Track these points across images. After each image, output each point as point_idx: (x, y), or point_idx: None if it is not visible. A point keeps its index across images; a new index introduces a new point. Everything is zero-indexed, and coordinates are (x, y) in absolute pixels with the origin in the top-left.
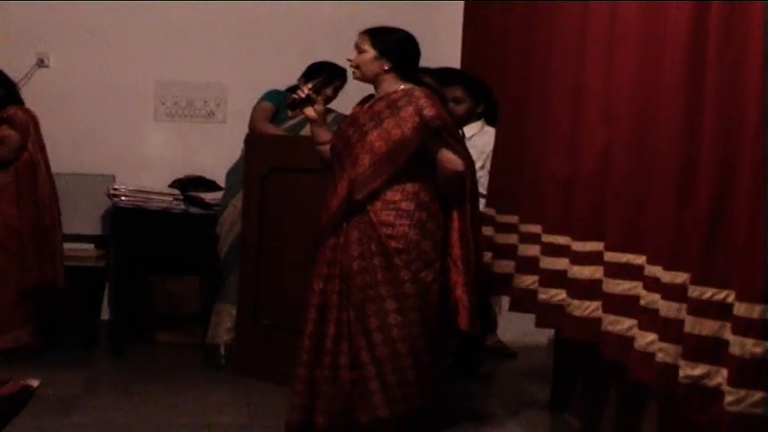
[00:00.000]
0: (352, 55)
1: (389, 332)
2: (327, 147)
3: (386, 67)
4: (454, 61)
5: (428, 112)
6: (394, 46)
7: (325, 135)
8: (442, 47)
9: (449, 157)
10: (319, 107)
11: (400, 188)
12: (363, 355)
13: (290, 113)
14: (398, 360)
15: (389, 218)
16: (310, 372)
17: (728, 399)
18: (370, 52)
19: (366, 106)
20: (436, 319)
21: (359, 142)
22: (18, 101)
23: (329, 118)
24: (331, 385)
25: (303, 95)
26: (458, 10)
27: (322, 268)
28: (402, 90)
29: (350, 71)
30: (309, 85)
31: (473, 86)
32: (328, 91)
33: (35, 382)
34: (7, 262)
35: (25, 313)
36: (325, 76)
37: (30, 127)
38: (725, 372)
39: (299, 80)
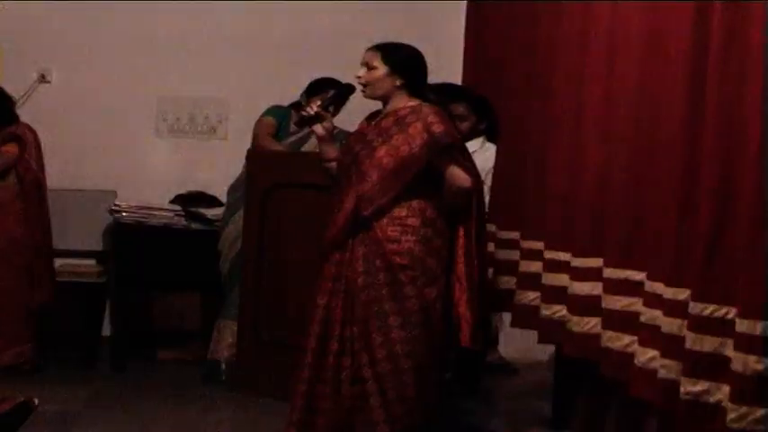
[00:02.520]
0: (362, 72)
1: (393, 348)
2: (335, 164)
3: (398, 84)
4: (455, 77)
5: (437, 128)
6: (405, 62)
7: (333, 152)
8: (444, 62)
9: (457, 174)
10: (328, 124)
11: (407, 204)
12: (365, 370)
13: (292, 129)
14: (400, 376)
15: (395, 233)
16: (311, 387)
17: (730, 415)
18: (382, 69)
19: (374, 122)
20: (440, 336)
21: (367, 158)
22: (15, 117)
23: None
24: (332, 401)
25: (312, 113)
26: (459, 26)
27: (326, 283)
28: (410, 106)
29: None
30: (318, 102)
31: (475, 103)
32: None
33: (35, 399)
34: (14, 278)
35: (28, 329)
36: (334, 92)
37: (33, 146)
38: (726, 388)
39: (301, 96)
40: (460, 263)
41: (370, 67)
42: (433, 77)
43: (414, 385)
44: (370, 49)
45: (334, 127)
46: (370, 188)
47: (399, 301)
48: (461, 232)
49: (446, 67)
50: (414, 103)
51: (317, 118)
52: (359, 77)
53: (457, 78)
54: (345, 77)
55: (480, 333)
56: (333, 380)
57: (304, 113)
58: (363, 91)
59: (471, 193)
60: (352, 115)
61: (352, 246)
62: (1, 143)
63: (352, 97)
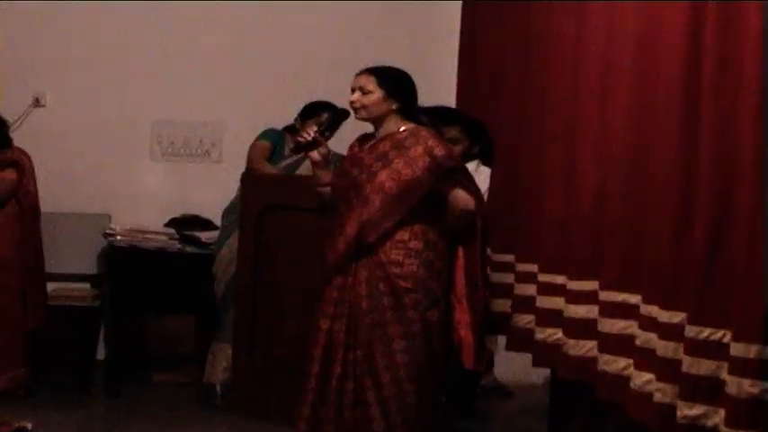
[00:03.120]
0: (356, 96)
1: (397, 372)
2: (329, 188)
3: (393, 107)
4: (449, 100)
5: (438, 151)
6: (400, 85)
7: (327, 176)
8: (438, 85)
9: (461, 196)
10: (324, 150)
11: (409, 227)
12: (369, 394)
13: (286, 152)
14: (404, 399)
15: (398, 257)
16: (314, 412)
17: None
18: (377, 93)
19: (367, 146)
20: (440, 358)
21: (368, 183)
22: (9, 141)
23: None
24: (335, 425)
25: (309, 138)
26: (454, 47)
27: (329, 307)
28: (407, 129)
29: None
30: (314, 128)
31: (469, 126)
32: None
33: (29, 424)
34: (7, 302)
35: (22, 354)
36: (330, 118)
37: (30, 171)
38: (722, 412)
39: (295, 119)
40: (460, 284)
41: (364, 92)
42: (428, 100)
43: (416, 408)
44: (362, 72)
45: (329, 151)
46: (374, 213)
47: (403, 325)
48: (461, 253)
49: (440, 89)
50: (409, 126)
51: (314, 143)
52: (353, 102)
53: (451, 101)
54: (340, 100)
55: (484, 354)
56: (336, 404)
57: (300, 139)
58: (356, 114)
59: (475, 215)
60: (343, 140)
61: (354, 270)
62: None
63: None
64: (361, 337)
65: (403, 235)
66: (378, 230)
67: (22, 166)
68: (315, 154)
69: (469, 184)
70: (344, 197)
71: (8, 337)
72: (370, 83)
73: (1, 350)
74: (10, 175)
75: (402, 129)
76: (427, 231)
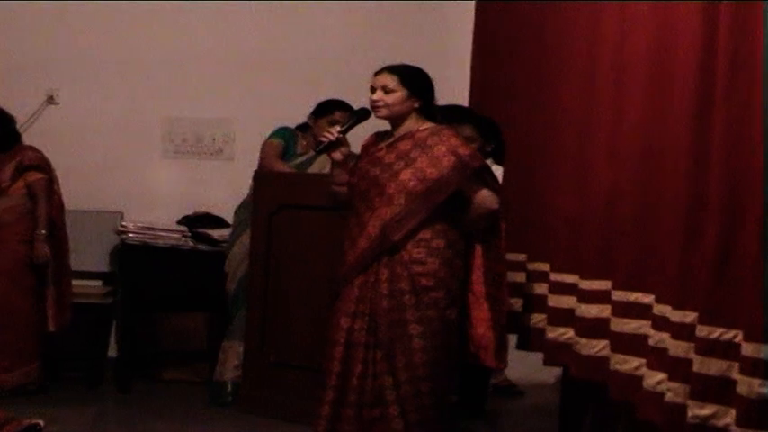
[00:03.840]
0: (378, 95)
1: (415, 371)
2: (345, 188)
3: (415, 106)
4: (462, 99)
5: (463, 151)
6: (422, 84)
7: (345, 177)
8: (452, 84)
9: (486, 196)
10: (345, 149)
11: (431, 226)
12: (388, 393)
13: (299, 150)
14: (422, 399)
15: (420, 255)
16: (335, 410)
17: None
18: (400, 91)
19: (385, 144)
20: (455, 357)
21: (390, 182)
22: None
23: None
24: (355, 424)
25: (333, 138)
26: (467, 46)
27: (349, 306)
28: (428, 128)
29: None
30: (337, 128)
31: (483, 125)
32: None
33: (41, 421)
34: (21, 298)
35: (33, 349)
36: (353, 118)
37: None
38: (733, 412)
39: (308, 117)
40: (479, 283)
41: (387, 90)
42: (441, 99)
43: (433, 407)
44: (383, 71)
45: (350, 151)
46: (398, 212)
47: (423, 324)
48: (480, 253)
49: (453, 88)
50: (429, 125)
51: (337, 143)
52: (376, 101)
53: (464, 100)
54: (352, 98)
55: (503, 352)
56: (356, 402)
57: (323, 140)
58: (377, 113)
59: (498, 214)
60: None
61: (376, 268)
62: (19, 171)
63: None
64: (381, 335)
65: (425, 234)
66: (402, 229)
67: (49, 167)
68: (337, 154)
69: (494, 183)
70: (365, 196)
71: (21, 334)
72: (393, 81)
73: (14, 346)
74: (38, 175)
75: (422, 128)
76: (449, 230)
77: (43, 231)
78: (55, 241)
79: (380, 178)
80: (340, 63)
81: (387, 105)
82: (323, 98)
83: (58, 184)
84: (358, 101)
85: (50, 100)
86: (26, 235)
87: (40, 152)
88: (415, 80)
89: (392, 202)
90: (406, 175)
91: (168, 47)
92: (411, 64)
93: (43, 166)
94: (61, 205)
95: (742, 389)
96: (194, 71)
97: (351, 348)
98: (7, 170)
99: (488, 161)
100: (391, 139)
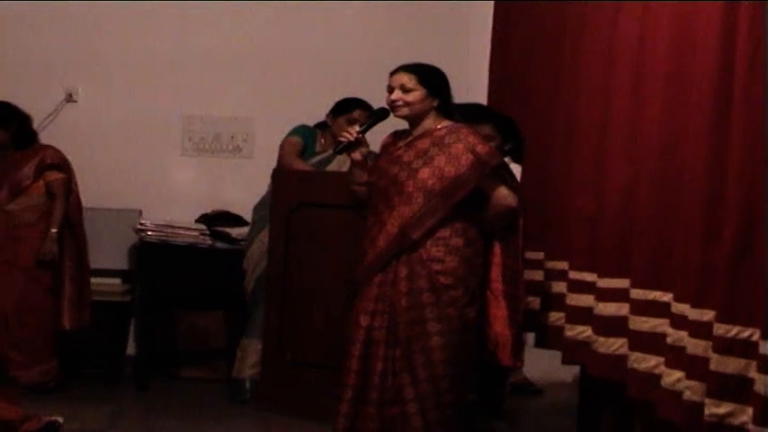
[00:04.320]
0: (397, 94)
1: (434, 369)
2: (363, 187)
3: (434, 105)
4: (481, 98)
5: (482, 149)
6: (440, 83)
7: (364, 176)
8: (470, 82)
9: (504, 194)
10: (365, 149)
11: (450, 224)
12: (407, 391)
13: (317, 149)
14: (441, 397)
15: (439, 254)
16: (354, 408)
17: None
18: (420, 91)
19: (404, 143)
20: (474, 355)
21: (409, 180)
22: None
23: None
24: (377, 422)
25: (353, 139)
26: (486, 45)
27: (368, 304)
28: (445, 127)
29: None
30: (357, 128)
31: (501, 124)
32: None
33: (60, 418)
34: (41, 297)
35: (51, 347)
36: (372, 117)
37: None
38: (750, 410)
39: (327, 116)
40: (497, 281)
41: (405, 89)
42: (460, 98)
43: (452, 405)
44: (401, 70)
45: (369, 150)
46: (417, 211)
47: (442, 322)
48: (498, 251)
49: (472, 87)
50: (447, 123)
51: (357, 143)
52: (395, 100)
53: (483, 99)
54: (370, 97)
55: (521, 351)
56: (377, 400)
57: (343, 139)
58: (397, 112)
59: (517, 212)
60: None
61: (395, 267)
62: (40, 170)
63: None
64: (400, 333)
65: (444, 232)
66: (421, 228)
67: (68, 166)
68: (357, 154)
69: (512, 180)
70: (384, 195)
71: (40, 332)
72: (411, 81)
73: (34, 344)
74: (57, 175)
75: (440, 126)
76: (467, 228)
77: (54, 230)
78: (73, 240)
79: (399, 177)
80: (359, 62)
81: (406, 104)
82: (342, 97)
83: (75, 183)
84: (377, 99)
85: (69, 98)
86: (46, 233)
87: (59, 151)
88: (432, 79)
89: (411, 200)
90: (424, 173)
91: (187, 45)
92: (427, 63)
93: (63, 165)
94: (79, 204)
95: (759, 387)
96: (213, 69)
97: (371, 346)
98: (28, 169)
99: (507, 159)
100: (410, 138)
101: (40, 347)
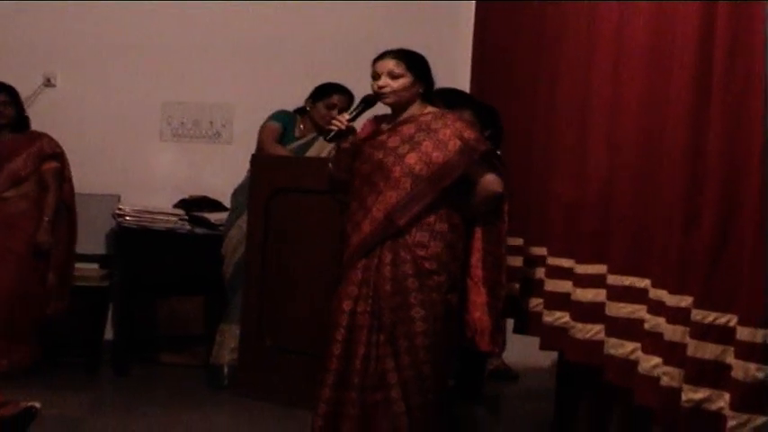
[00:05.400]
0: (384, 80)
1: (417, 355)
2: (346, 173)
3: (420, 91)
4: (463, 85)
5: (469, 135)
6: (425, 68)
7: (350, 162)
8: (452, 71)
9: (491, 180)
10: (353, 137)
11: (435, 210)
12: (391, 376)
13: (296, 134)
14: (423, 382)
15: (424, 239)
16: (336, 393)
17: (731, 423)
18: (407, 77)
19: (387, 129)
20: (455, 341)
21: (396, 166)
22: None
23: None
24: (359, 407)
25: (342, 127)
26: (468, 32)
27: (352, 289)
28: (431, 112)
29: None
30: (346, 116)
31: (481, 110)
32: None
33: (37, 404)
34: (34, 283)
35: (40, 333)
36: (362, 105)
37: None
38: (727, 396)
39: (306, 101)
40: (477, 267)
41: (393, 76)
42: (443, 83)
43: (434, 391)
44: (387, 56)
45: (357, 138)
46: (404, 196)
47: (425, 308)
48: (478, 235)
49: (453, 75)
50: (432, 109)
51: (346, 132)
52: (382, 87)
53: (464, 86)
54: (350, 82)
55: (499, 336)
56: (360, 385)
57: (333, 128)
58: (384, 99)
59: (503, 198)
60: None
61: (380, 252)
62: (40, 159)
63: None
64: (384, 319)
65: (430, 218)
66: (407, 214)
67: (63, 155)
68: (346, 142)
69: (500, 166)
70: (368, 180)
71: (31, 317)
72: (400, 67)
73: (23, 328)
74: (53, 164)
75: (426, 111)
76: (452, 214)
77: (47, 219)
78: (67, 226)
79: (385, 162)
80: (338, 47)
81: (394, 91)
82: (321, 82)
83: (69, 170)
84: (356, 85)
85: (47, 83)
86: (38, 221)
87: (53, 139)
88: (418, 64)
89: (398, 185)
90: (411, 158)
91: (166, 30)
92: (409, 48)
93: (59, 154)
94: (72, 190)
95: (737, 373)
96: (192, 55)
97: (353, 331)
98: (26, 157)
99: None
100: (394, 123)
101: (28, 332)
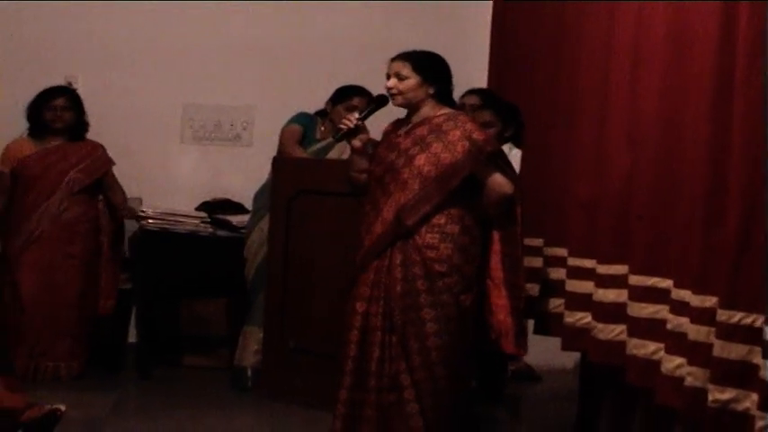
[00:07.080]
0: (392, 82)
1: (429, 355)
2: (365, 175)
3: (430, 92)
4: (481, 83)
5: (478, 135)
6: (436, 70)
7: (365, 164)
8: (470, 69)
9: (499, 181)
10: (365, 136)
11: (446, 211)
12: (403, 378)
13: (318, 136)
14: (436, 383)
15: (434, 241)
16: (353, 395)
17: (759, 424)
18: (414, 78)
19: (403, 131)
20: (471, 343)
21: (405, 167)
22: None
23: None
24: (375, 409)
25: (351, 126)
26: (485, 33)
27: (365, 290)
28: (444, 114)
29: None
30: (356, 115)
31: (502, 110)
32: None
33: (62, 407)
34: (93, 290)
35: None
36: (371, 105)
37: None
38: (755, 396)
39: (327, 104)
40: (497, 269)
41: (400, 77)
42: (460, 84)
43: (448, 392)
44: (397, 58)
45: (369, 137)
46: (412, 197)
47: (436, 309)
48: (498, 238)
49: (472, 74)
50: (446, 110)
51: (356, 130)
52: (390, 88)
53: (483, 85)
54: (371, 84)
55: (523, 338)
56: (376, 387)
57: (343, 127)
58: (393, 100)
59: (514, 200)
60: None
61: (390, 253)
62: (96, 173)
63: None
64: (396, 320)
65: (440, 219)
66: (416, 214)
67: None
68: (356, 141)
69: (507, 168)
70: (380, 182)
71: (88, 319)
72: (406, 68)
73: (81, 332)
74: (109, 171)
75: (439, 113)
76: (464, 216)
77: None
78: (119, 229)
79: (396, 164)
80: (358, 49)
81: (400, 93)
82: (341, 84)
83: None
84: (377, 87)
85: (68, 85)
86: (94, 223)
87: (106, 150)
88: (428, 66)
89: (407, 186)
90: (420, 160)
91: (187, 33)
92: (427, 50)
93: (112, 162)
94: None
95: (765, 373)
96: (213, 57)
97: (367, 333)
98: (85, 170)
99: (508, 145)
100: (409, 126)
101: (87, 334)
